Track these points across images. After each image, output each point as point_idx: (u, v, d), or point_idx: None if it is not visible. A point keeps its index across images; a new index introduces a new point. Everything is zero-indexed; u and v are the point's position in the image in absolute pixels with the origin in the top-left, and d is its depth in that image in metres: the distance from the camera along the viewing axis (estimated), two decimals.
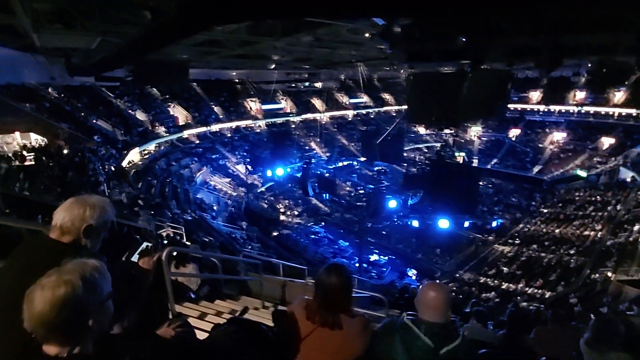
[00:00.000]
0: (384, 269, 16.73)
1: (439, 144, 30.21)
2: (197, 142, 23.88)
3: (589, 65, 21.31)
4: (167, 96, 23.58)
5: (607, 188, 17.95)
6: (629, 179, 18.18)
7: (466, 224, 18.07)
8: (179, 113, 23.74)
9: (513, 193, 22.52)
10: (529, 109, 27.92)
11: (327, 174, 25.72)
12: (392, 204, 20.38)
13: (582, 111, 24.69)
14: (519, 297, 12.15)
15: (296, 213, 22.36)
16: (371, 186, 24.77)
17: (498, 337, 5.00)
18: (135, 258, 2.79)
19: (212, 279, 4.27)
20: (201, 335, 1.61)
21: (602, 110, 23.64)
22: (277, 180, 24.07)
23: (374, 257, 17.77)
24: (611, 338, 3.44)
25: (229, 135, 26.21)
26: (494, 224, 18.52)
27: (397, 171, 25.22)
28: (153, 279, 1.78)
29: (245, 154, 25.54)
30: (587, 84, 24.54)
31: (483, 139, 29.85)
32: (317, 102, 31.44)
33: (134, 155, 17.75)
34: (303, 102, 30.75)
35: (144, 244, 4.92)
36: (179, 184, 18.43)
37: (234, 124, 26.29)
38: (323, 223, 21.31)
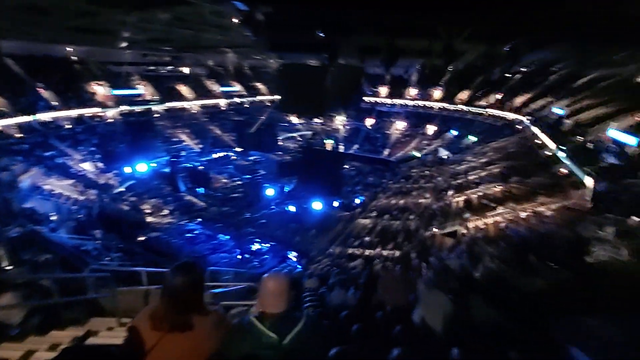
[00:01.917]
0: (266, 257, 17.14)
1: (310, 132, 32.32)
2: (20, 136, 18.43)
3: (418, 66, 26.53)
4: None
5: (432, 164, 23.26)
6: (445, 157, 24.21)
7: (336, 204, 20.20)
8: None
9: (369, 173, 26.39)
10: (379, 102, 32.70)
11: (200, 167, 24.10)
12: (270, 192, 20.86)
13: (415, 104, 30.72)
14: (377, 260, 14.51)
15: (166, 212, 20.22)
16: (248, 176, 24.62)
17: (356, 298, 5.91)
18: None
19: (44, 305, 3.52)
20: None
21: (427, 103, 30.05)
22: (139, 177, 21.05)
23: (255, 247, 17.93)
24: (441, 280, 4.54)
25: (69, 126, 21.12)
26: (357, 201, 21.36)
27: (273, 160, 25.77)
28: None
29: (94, 149, 21.16)
30: (418, 82, 30.39)
31: (347, 127, 33.32)
32: (183, 89, 28.59)
33: None
34: (166, 88, 27.37)
35: None
36: None
37: (74, 113, 21.28)
38: (199, 219, 20.04)
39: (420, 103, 30.62)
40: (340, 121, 32.90)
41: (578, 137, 15.56)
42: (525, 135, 20.11)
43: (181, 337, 1.52)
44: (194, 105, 28.87)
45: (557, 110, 18.84)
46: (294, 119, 33.66)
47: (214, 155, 26.93)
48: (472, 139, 24.95)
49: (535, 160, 16.74)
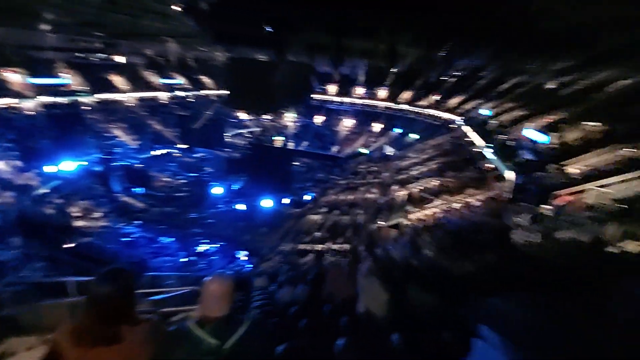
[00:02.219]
0: (214, 257, 16.56)
1: (259, 129, 31.77)
2: None
3: (364, 66, 27.50)
4: None
5: (378, 160, 24.43)
6: (390, 153, 25.63)
7: (286, 201, 20.20)
8: None
9: (319, 170, 26.86)
10: (328, 100, 33.27)
11: (138, 165, 22.35)
12: (217, 190, 20.12)
13: (362, 103, 31.85)
14: (327, 255, 14.87)
15: (99, 215, 18.42)
16: (193, 174, 23.44)
17: (305, 293, 6.01)
18: None
19: None
20: None
21: (374, 102, 31.33)
22: (65, 177, 18.86)
23: (202, 248, 17.20)
24: (380, 269, 4.78)
25: None
26: (307, 197, 21.60)
27: (220, 157, 24.88)
28: None
29: (9, 145, 18.39)
30: (364, 81, 31.50)
31: (297, 124, 33.36)
32: (118, 80, 26.06)
33: None
34: (98, 78, 24.67)
35: None
36: None
37: None
38: (138, 222, 18.62)
39: (367, 102, 31.81)
40: (289, 118, 32.84)
41: (501, 135, 17.49)
42: (458, 134, 22.04)
43: (107, 351, 1.41)
44: (130, 97, 26.52)
45: (484, 112, 20.96)
46: (243, 115, 32.80)
47: (154, 153, 25.12)
48: (414, 136, 26.65)
49: (466, 156, 18.46)
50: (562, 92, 16.63)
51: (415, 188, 17.17)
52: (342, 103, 32.88)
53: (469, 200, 14.21)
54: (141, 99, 27.29)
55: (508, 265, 6.06)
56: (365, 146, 28.91)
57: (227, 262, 16.15)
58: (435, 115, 26.88)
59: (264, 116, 31.56)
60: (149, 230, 18.00)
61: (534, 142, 14.95)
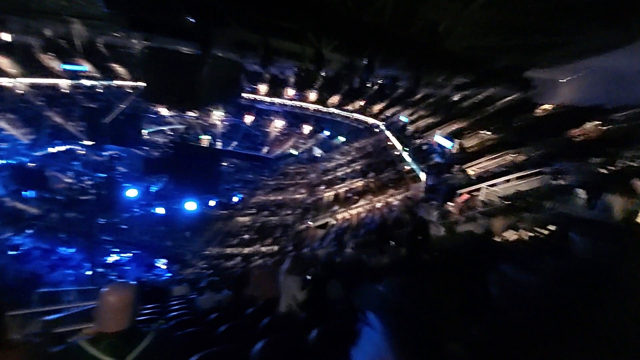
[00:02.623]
0: (127, 268, 14.93)
1: (183, 127, 29.66)
2: None
3: (295, 68, 27.73)
4: None
5: (308, 162, 24.97)
6: (318, 155, 26.39)
7: (212, 202, 19.27)
8: None
9: (249, 171, 26.32)
10: (259, 99, 32.73)
11: (31, 164, 19.00)
12: (132, 193, 18.24)
13: (293, 104, 32.11)
14: (256, 257, 14.67)
15: None
16: (102, 175, 20.77)
17: (228, 298, 5.86)
18: None
19: None
20: None
21: (304, 104, 31.85)
22: None
23: (112, 258, 15.36)
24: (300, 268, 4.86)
25: None
26: (235, 199, 20.97)
27: (137, 156, 22.55)
28: None
29: None
30: (295, 83, 31.82)
31: (225, 123, 32.09)
32: (3, 62, 21.63)
33: None
34: None
35: None
36: None
37: None
38: (30, 230, 15.80)
39: (297, 103, 32.19)
40: (217, 116, 31.43)
41: (417, 140, 19.43)
42: (380, 138, 23.80)
43: None
44: (20, 83, 22.32)
45: (403, 118, 23.03)
46: (164, 111, 30.27)
47: (52, 150, 21.61)
48: (341, 139, 27.89)
49: (387, 158, 20.04)
50: (463, 104, 19.24)
51: (341, 189, 18.01)
52: (272, 103, 32.71)
53: (389, 199, 15.45)
54: (35, 86, 23.17)
55: (416, 257, 6.75)
56: (295, 147, 29.26)
57: (143, 272, 14.71)
58: (361, 119, 28.57)
59: (189, 113, 29.59)
60: (46, 239, 15.39)
61: (442, 147, 16.97)
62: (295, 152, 27.94)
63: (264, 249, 15.59)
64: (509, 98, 16.51)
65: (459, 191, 12.31)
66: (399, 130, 21.83)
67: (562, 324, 1.72)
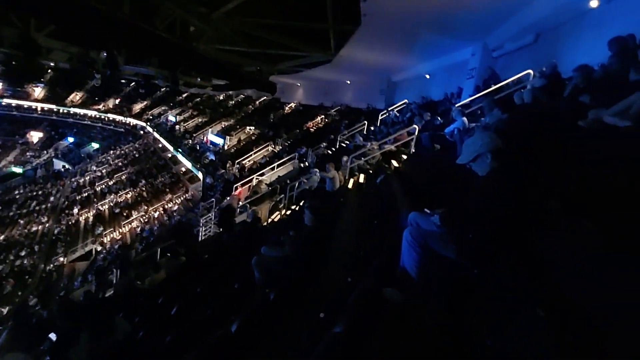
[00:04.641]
0: None
1: None
2: None
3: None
4: None
5: (45, 180, 18.73)
6: (62, 169, 20.29)
7: None
8: None
9: None
10: None
11: None
12: None
13: (3, 104, 22.91)
14: None
15: None
16: None
17: None
18: None
19: None
20: None
21: (25, 104, 23.41)
22: None
23: None
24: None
25: None
26: None
27: None
28: None
29: None
30: (3, 76, 22.82)
31: None
32: None
33: None
34: None
35: None
36: None
37: None
38: None
39: (14, 102, 23.37)
40: None
41: (189, 140, 18.88)
42: (148, 140, 21.41)
43: None
44: None
45: (171, 118, 21.65)
46: None
47: None
48: (95, 146, 22.86)
49: (158, 162, 18.36)
50: (228, 103, 20.37)
51: (105, 205, 14.97)
52: None
53: (167, 205, 14.31)
54: None
55: (194, 262, 6.69)
56: (19, 163, 21.22)
57: None
58: (120, 121, 24.43)
59: None
60: None
61: (215, 144, 17.39)
62: (19, 170, 20.22)
63: None
64: (264, 98, 19.04)
65: (236, 185, 13.15)
66: (169, 131, 20.42)
67: (299, 285, 2.33)
